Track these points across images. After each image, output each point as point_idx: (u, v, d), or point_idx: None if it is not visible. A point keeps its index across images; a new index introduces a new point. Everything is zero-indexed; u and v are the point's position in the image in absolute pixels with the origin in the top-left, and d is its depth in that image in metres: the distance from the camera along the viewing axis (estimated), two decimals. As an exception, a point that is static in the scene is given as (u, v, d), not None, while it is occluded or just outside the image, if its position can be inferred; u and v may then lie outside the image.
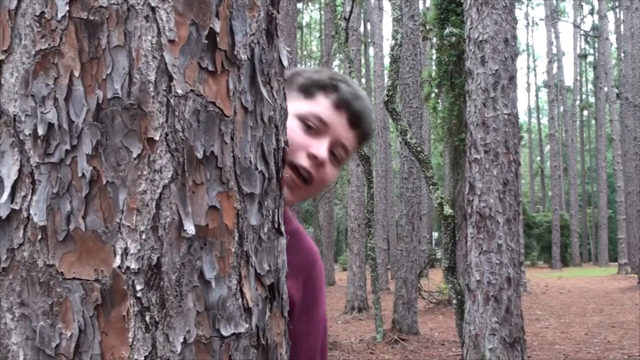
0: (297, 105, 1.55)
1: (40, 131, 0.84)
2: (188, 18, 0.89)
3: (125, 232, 0.84)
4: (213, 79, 0.91)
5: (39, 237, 0.83)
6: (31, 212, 0.83)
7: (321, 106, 1.57)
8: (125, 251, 0.83)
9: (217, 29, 0.91)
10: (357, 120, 1.60)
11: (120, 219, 0.84)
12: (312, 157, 1.52)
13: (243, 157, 0.94)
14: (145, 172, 0.85)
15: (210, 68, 0.91)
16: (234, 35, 0.94)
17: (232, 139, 0.93)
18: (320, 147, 1.53)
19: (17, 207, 0.84)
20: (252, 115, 0.97)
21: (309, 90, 1.59)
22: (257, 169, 0.97)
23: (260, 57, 0.98)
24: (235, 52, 0.94)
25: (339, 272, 33.70)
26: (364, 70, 34.21)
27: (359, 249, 19.63)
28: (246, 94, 0.95)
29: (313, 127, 1.55)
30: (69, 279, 0.83)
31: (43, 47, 0.85)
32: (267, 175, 0.99)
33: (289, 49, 1.08)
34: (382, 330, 13.84)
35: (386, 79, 12.19)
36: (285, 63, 1.06)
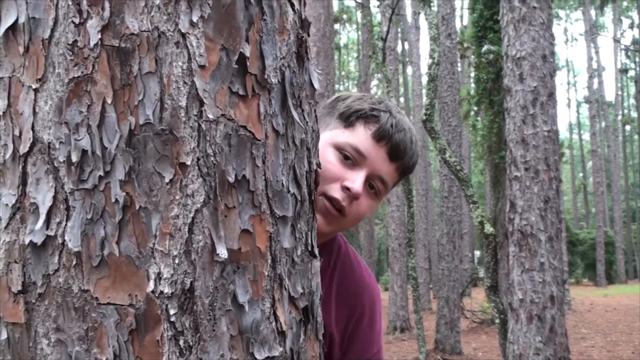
0: (335, 133, 1.49)
1: (74, 158, 0.85)
2: (218, 43, 0.90)
3: (159, 257, 0.84)
4: (244, 103, 0.91)
5: (74, 262, 0.84)
6: (66, 238, 0.84)
7: (360, 137, 1.50)
8: (159, 276, 0.84)
9: (247, 54, 0.92)
10: (397, 153, 1.53)
11: (154, 243, 0.84)
12: (346, 190, 1.45)
13: (275, 180, 0.95)
14: (177, 197, 0.86)
15: (241, 92, 0.91)
16: (264, 59, 0.94)
17: (263, 162, 0.93)
18: (356, 180, 1.46)
19: (52, 233, 0.85)
20: (284, 139, 0.97)
21: (348, 119, 1.52)
22: (289, 191, 0.97)
23: (291, 80, 0.99)
24: (266, 76, 0.94)
25: (381, 292, 33.54)
26: (402, 90, 34.19)
27: (400, 268, 19.52)
28: (277, 117, 0.96)
29: (350, 158, 1.48)
30: (104, 304, 0.83)
31: (76, 75, 0.86)
32: (299, 197, 0.99)
33: (320, 71, 1.09)
34: (424, 351, 13.69)
35: (424, 98, 12.16)
36: (317, 85, 1.06)
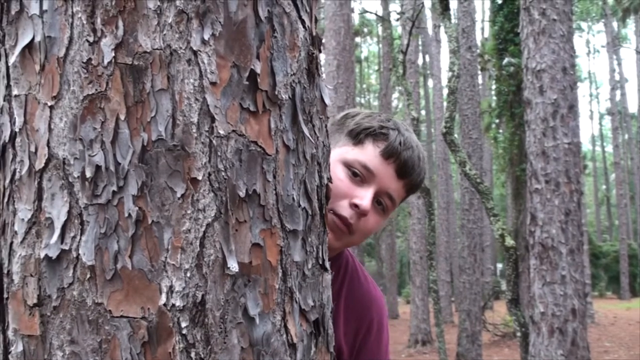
0: (344, 150, 1.51)
1: (88, 173, 0.87)
2: (229, 60, 0.91)
3: (171, 271, 0.86)
4: (255, 119, 0.93)
5: (88, 276, 0.85)
6: (80, 252, 0.86)
7: (369, 154, 1.52)
8: (171, 289, 0.85)
9: (258, 70, 0.93)
10: (405, 170, 1.55)
11: (166, 257, 0.86)
12: (355, 207, 1.47)
13: (286, 194, 0.96)
14: (189, 212, 0.87)
15: (252, 108, 0.93)
16: (275, 76, 0.95)
17: (274, 177, 0.94)
18: (364, 197, 1.48)
19: (66, 248, 0.86)
20: (294, 154, 0.98)
21: (358, 136, 1.54)
22: (300, 205, 0.98)
23: (302, 96, 1.00)
24: (277, 92, 0.95)
25: (402, 305, 33.35)
26: (423, 102, 34.16)
27: (421, 281, 19.46)
28: (288, 133, 0.97)
29: (359, 174, 1.50)
30: (117, 317, 0.85)
31: (90, 93, 0.88)
32: (310, 212, 1.00)
33: (330, 87, 1.10)
34: (446, 364, 13.61)
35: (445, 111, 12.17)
36: (327, 101, 1.07)
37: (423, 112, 34.24)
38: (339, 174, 1.47)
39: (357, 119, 1.57)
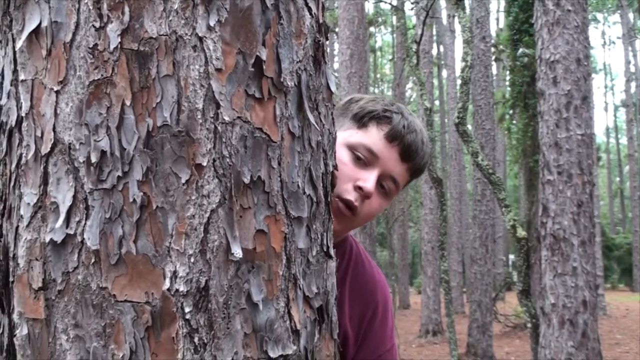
0: (348, 134, 1.52)
1: (94, 158, 0.87)
2: (235, 47, 0.91)
3: (175, 256, 0.86)
4: (260, 106, 0.93)
5: (93, 260, 0.86)
6: (85, 236, 0.86)
7: (372, 137, 1.52)
8: (175, 274, 0.86)
9: (264, 57, 0.93)
10: (408, 154, 1.55)
11: (170, 243, 0.86)
12: (359, 189, 1.48)
13: (290, 181, 0.96)
14: (193, 197, 0.87)
15: (257, 95, 0.93)
16: (281, 63, 0.95)
17: (279, 163, 0.94)
18: (368, 180, 1.49)
19: (71, 232, 0.87)
20: (300, 141, 0.98)
21: (361, 120, 1.55)
22: (304, 193, 0.98)
23: (308, 83, 1.00)
24: (282, 79, 0.95)
25: (414, 295, 33.31)
26: (437, 93, 34.03)
27: (433, 272, 19.44)
28: (293, 120, 0.97)
29: (362, 158, 1.51)
30: (121, 302, 0.85)
31: (96, 78, 0.88)
32: (315, 199, 1.00)
33: (336, 74, 1.10)
34: (456, 354, 13.61)
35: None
36: (333, 88, 1.07)
37: (437, 103, 34.14)
38: (343, 158, 1.48)
39: (361, 103, 1.58)
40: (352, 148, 1.50)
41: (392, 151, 1.53)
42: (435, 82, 31.09)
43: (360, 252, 1.66)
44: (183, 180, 0.87)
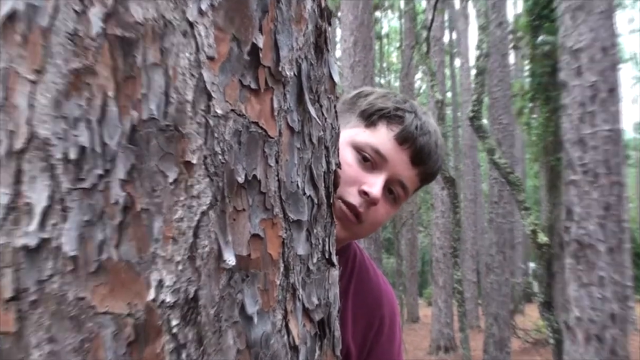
0: (354, 132, 1.51)
1: (72, 155, 0.87)
2: (228, 33, 0.91)
3: (161, 263, 0.86)
4: (256, 98, 0.93)
5: (70, 268, 0.85)
6: (62, 241, 0.86)
7: (381, 138, 1.52)
8: (160, 283, 0.85)
9: (260, 44, 0.93)
10: (420, 157, 1.54)
11: (155, 248, 0.86)
12: (364, 194, 1.47)
13: (289, 181, 0.96)
14: (182, 198, 0.87)
15: (253, 86, 0.92)
16: (279, 51, 0.95)
17: (277, 161, 0.94)
18: (374, 185, 1.48)
19: (47, 236, 0.87)
20: (300, 136, 0.98)
21: (370, 117, 1.54)
22: (304, 193, 0.98)
23: (308, 73, 1.00)
24: (280, 69, 0.95)
25: (423, 308, 33.34)
26: (449, 83, 34.04)
27: (444, 281, 19.46)
28: (292, 113, 0.97)
29: (369, 159, 1.50)
30: (101, 313, 0.85)
31: (76, 67, 0.88)
32: (316, 200, 1.00)
33: (339, 64, 1.10)
34: (470, 373, 13.62)
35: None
36: (337, 79, 1.07)
37: (449, 95, 34.12)
38: (347, 158, 1.47)
39: (370, 99, 1.57)
40: (358, 148, 1.49)
41: (403, 154, 1.52)
42: (447, 72, 31.11)
43: (364, 260, 1.66)
44: (171, 180, 0.87)
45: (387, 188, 1.52)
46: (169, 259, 0.86)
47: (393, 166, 1.51)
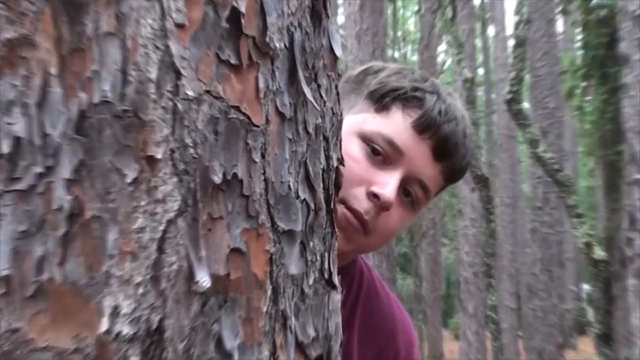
0: (362, 119, 1.50)
1: (5, 148, 0.86)
2: (202, -6, 0.91)
3: (116, 285, 0.86)
4: (237, 76, 0.93)
5: (2, 291, 0.85)
6: (-9, 257, 0.86)
7: (396, 126, 1.51)
8: (116, 311, 0.85)
9: (242, 9, 0.93)
10: (445, 150, 1.53)
11: (110, 266, 0.86)
12: (374, 197, 1.46)
13: (279, 181, 0.96)
14: (143, 203, 0.87)
15: (233, 61, 0.93)
16: (266, 17, 0.95)
17: (263, 156, 0.94)
18: (387, 185, 1.47)
19: (-27, 251, 0.87)
20: (292, 124, 0.98)
21: (381, 100, 1.53)
22: (298, 197, 0.98)
23: (303, 44, 1.00)
24: (268, 39, 0.95)
25: (448, 341, 33.34)
26: (481, 58, 34.03)
27: (475, 308, 19.43)
28: (283, 96, 0.97)
29: (381, 153, 1.49)
30: (40, 349, 0.85)
31: (10, 37, 0.88)
32: (312, 205, 1.00)
33: (342, 32, 1.10)
34: (508, 423, 13.64)
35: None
36: (338, 52, 1.07)
37: (480, 72, 34.12)
38: (353, 151, 1.46)
39: (381, 77, 1.56)
40: (366, 139, 1.49)
41: (423, 146, 1.52)
42: (479, 43, 31.09)
43: (374, 280, 1.66)
44: (129, 179, 0.87)
45: (403, 189, 1.51)
46: (126, 279, 0.86)
47: (411, 161, 1.50)
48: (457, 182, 1.65)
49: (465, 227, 19.53)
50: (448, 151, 1.53)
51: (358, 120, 1.48)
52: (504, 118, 23.02)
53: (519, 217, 26.58)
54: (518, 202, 26.12)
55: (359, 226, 1.44)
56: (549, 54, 15.59)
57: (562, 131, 16.76)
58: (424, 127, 1.50)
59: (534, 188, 15.81)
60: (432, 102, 1.52)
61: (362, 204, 1.44)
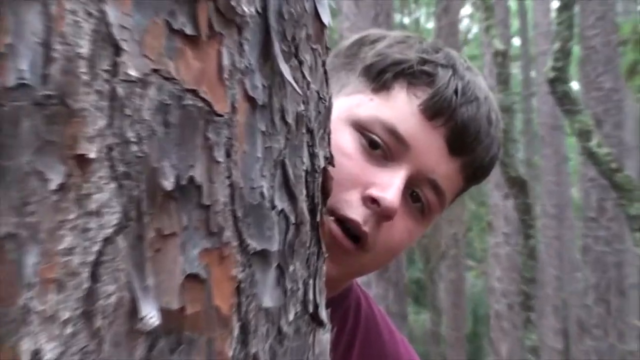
0: (356, 102, 1.49)
1: None
2: (147, -57, 0.92)
3: (37, 323, 0.86)
4: (193, 51, 0.93)
5: None
6: None
7: (399, 110, 1.50)
8: (37, 356, 0.85)
9: (201, -38, 0.93)
10: (463, 141, 1.52)
11: (28, 299, 0.86)
12: (371, 202, 1.45)
13: (248, 186, 0.96)
14: (72, 217, 0.87)
15: (189, 31, 0.93)
16: (231, -27, 0.96)
17: (228, 155, 0.94)
18: (389, 187, 1.45)
19: None
20: (266, 113, 0.98)
21: (380, 76, 1.52)
22: (274, 207, 0.98)
23: (280, 9, 1.00)
24: (234, 3, 0.95)
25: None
26: (515, 25, 34.05)
27: (510, 350, 19.48)
28: (254, 76, 0.97)
29: (381, 146, 1.48)
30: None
31: None
32: (293, 218, 1.00)
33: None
34: None
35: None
36: (326, 19, 1.07)
37: (516, 41, 34.15)
38: (345, 145, 1.45)
39: (380, 47, 1.55)
40: (361, 128, 1.48)
41: (435, 135, 1.50)
42: (513, 5, 31.13)
43: (374, 314, 1.66)
44: (53, 186, 0.87)
45: (410, 192, 1.50)
46: (50, 315, 0.86)
47: (418, 156, 1.48)
48: (482, 184, 1.64)
49: (497, 245, 19.56)
50: (467, 142, 1.51)
51: (351, 103, 1.47)
52: (546, 103, 23.03)
53: (567, 231, 26.59)
54: (565, 212, 26.08)
55: (350, 245, 1.42)
56: (605, 19, 15.61)
57: (621, 119, 16.76)
58: (436, 110, 1.49)
59: (586, 193, 15.82)
60: (445, 79, 1.50)
61: (358, 212, 1.42)
